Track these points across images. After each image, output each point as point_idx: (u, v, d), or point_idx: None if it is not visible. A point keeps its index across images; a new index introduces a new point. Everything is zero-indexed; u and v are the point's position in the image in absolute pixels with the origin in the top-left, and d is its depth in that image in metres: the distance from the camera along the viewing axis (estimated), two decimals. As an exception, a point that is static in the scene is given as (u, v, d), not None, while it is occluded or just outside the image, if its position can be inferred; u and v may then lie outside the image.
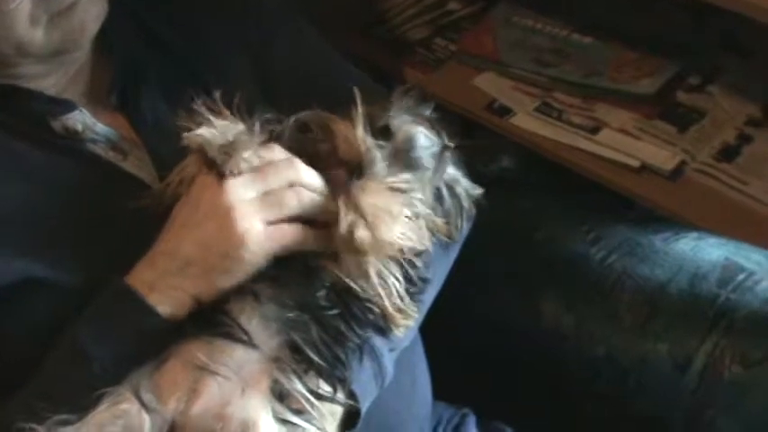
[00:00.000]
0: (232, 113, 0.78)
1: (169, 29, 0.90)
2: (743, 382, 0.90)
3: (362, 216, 0.73)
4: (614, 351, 0.98)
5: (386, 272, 0.74)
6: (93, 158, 0.84)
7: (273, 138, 0.80)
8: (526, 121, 1.37)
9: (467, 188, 0.85)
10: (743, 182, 1.22)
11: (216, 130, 0.75)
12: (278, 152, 0.77)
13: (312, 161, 0.78)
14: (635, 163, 1.28)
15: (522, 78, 1.42)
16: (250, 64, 0.90)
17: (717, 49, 1.35)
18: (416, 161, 0.79)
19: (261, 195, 0.73)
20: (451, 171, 0.83)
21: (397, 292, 0.75)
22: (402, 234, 0.74)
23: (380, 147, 0.78)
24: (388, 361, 0.79)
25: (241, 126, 0.77)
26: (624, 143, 1.30)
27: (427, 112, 0.82)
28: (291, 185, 0.74)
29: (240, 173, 0.73)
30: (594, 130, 1.32)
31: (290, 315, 0.71)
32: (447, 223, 0.82)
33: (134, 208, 0.78)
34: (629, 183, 1.27)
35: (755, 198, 1.21)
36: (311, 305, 0.72)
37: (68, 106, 0.84)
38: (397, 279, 0.75)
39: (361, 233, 0.72)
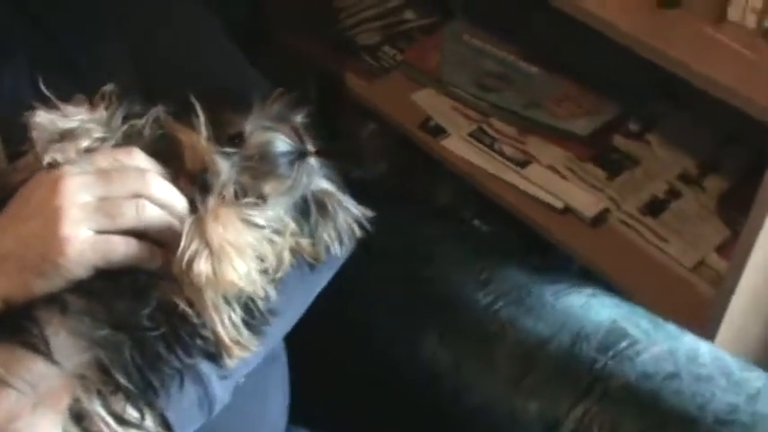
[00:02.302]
0: (96, 102, 0.72)
1: (42, 1, 0.84)
2: (610, 453, 0.85)
3: (208, 246, 0.67)
4: (489, 401, 0.93)
5: (223, 305, 0.69)
6: None
7: (135, 132, 0.74)
8: (458, 144, 1.33)
9: (346, 206, 0.79)
10: (663, 239, 1.18)
11: (58, 115, 0.69)
12: (137, 158, 0.71)
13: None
14: (558, 204, 1.23)
15: (461, 99, 1.37)
16: (129, 51, 0.84)
17: (659, 96, 1.30)
18: (273, 169, 0.73)
19: (97, 201, 0.67)
20: (323, 184, 0.77)
21: (234, 324, 0.70)
22: (245, 275, 0.68)
23: (227, 154, 0.72)
24: (219, 388, 0.73)
25: (95, 115, 0.72)
26: (551, 182, 1.25)
27: (297, 118, 0.76)
28: (136, 196, 0.69)
29: (64, 163, 0.67)
30: (524, 164, 1.28)
31: (102, 332, 0.65)
32: (313, 244, 0.77)
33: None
34: (550, 223, 1.23)
35: (673, 258, 1.17)
36: (130, 324, 0.66)
37: None
38: (235, 312, 0.70)
39: (202, 266, 0.67)
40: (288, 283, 0.76)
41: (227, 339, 0.70)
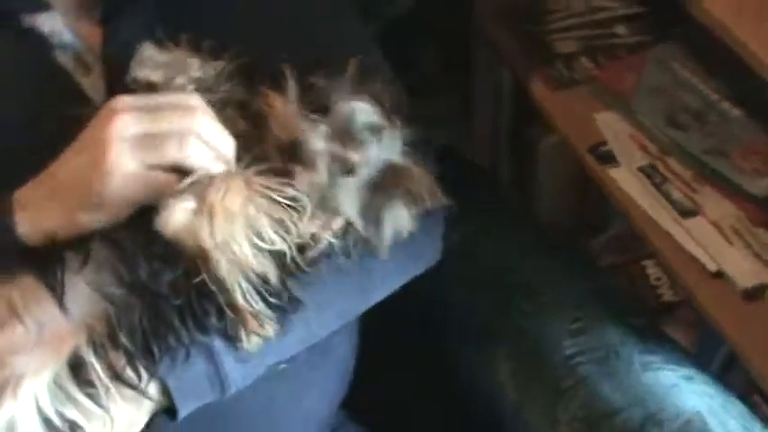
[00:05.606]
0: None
1: None
2: None
3: (197, 201, 0.65)
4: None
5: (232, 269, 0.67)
6: (53, 65, 0.81)
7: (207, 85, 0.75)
8: (624, 177, 1.22)
9: (423, 183, 0.73)
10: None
11: (165, 53, 0.71)
12: (191, 99, 0.70)
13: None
14: (711, 266, 1.11)
15: (644, 130, 1.26)
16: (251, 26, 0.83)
17: None
18: (357, 137, 0.70)
19: (144, 135, 0.67)
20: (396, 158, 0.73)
21: (258, 292, 0.68)
22: (222, 242, 0.65)
23: (314, 123, 0.70)
24: (235, 370, 0.72)
25: (200, 70, 0.73)
26: (711, 240, 1.12)
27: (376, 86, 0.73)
28: (184, 133, 0.67)
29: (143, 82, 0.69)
30: (687, 214, 1.15)
31: (117, 291, 0.66)
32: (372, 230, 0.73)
33: (74, 121, 0.75)
34: (694, 284, 1.11)
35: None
36: (148, 288, 0.66)
37: (39, 5, 0.82)
38: (261, 279, 0.67)
39: (177, 215, 0.65)
40: (322, 277, 0.73)
41: (245, 307, 0.67)
